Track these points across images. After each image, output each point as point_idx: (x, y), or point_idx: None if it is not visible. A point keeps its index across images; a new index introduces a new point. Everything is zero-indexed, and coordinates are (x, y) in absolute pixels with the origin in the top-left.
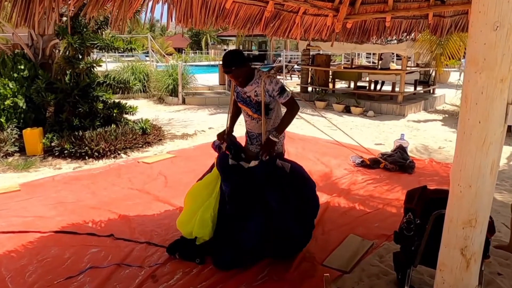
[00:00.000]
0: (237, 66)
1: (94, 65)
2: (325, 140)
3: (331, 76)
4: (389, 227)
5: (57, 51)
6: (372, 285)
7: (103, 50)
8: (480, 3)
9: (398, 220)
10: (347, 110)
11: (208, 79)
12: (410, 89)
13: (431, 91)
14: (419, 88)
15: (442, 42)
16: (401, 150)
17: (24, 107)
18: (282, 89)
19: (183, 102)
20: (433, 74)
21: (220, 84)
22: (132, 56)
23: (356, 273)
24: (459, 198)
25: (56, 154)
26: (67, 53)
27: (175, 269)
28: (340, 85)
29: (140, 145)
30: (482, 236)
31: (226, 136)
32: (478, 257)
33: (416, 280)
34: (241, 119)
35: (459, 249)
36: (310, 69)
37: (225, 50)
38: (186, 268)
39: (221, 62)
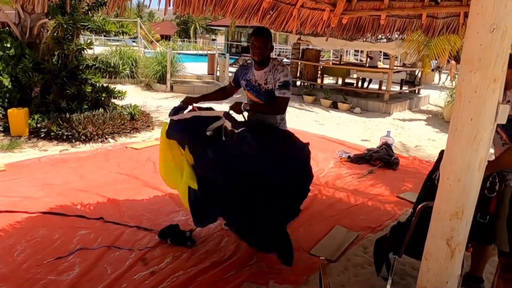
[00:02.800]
0: (266, 36)
1: (85, 47)
2: (313, 134)
3: (319, 72)
4: (374, 220)
5: (45, 31)
6: (356, 274)
7: (94, 33)
8: (478, 6)
9: (382, 214)
10: (334, 106)
11: (197, 68)
12: (396, 88)
13: (416, 91)
14: (404, 88)
15: (430, 43)
16: (386, 146)
17: (9, 86)
18: (285, 85)
19: (171, 90)
20: (419, 74)
21: (208, 74)
22: (119, 40)
23: (342, 263)
24: (448, 191)
25: (42, 135)
26: (56, 34)
27: (165, 253)
28: (328, 80)
29: (128, 131)
30: (467, 228)
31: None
32: (462, 247)
33: (398, 271)
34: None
35: (445, 239)
36: (299, 63)
37: (213, 40)
38: (176, 252)
39: (210, 52)
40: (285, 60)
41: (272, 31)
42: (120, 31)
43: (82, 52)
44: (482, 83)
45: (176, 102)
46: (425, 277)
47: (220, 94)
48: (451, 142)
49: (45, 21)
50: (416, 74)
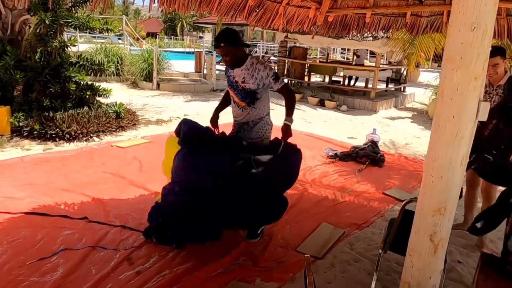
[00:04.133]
0: (226, 43)
1: (68, 44)
2: (300, 132)
3: (307, 69)
4: (360, 217)
5: (27, 27)
6: (343, 270)
7: (78, 30)
8: (460, 5)
9: (368, 210)
10: (321, 104)
11: (184, 66)
12: (382, 86)
13: (402, 89)
14: (390, 86)
15: (415, 42)
16: (372, 144)
17: None
18: (276, 76)
19: (158, 88)
20: (404, 72)
21: (196, 72)
22: (104, 38)
23: (328, 259)
24: (431, 188)
25: (25, 134)
26: (38, 30)
27: (151, 252)
28: (315, 78)
29: (114, 129)
30: (450, 223)
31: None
32: (445, 243)
33: (383, 267)
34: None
35: (428, 235)
36: (286, 61)
37: (200, 37)
38: (162, 252)
39: (197, 50)
40: (272, 58)
41: (259, 28)
42: (105, 28)
43: (66, 49)
44: (464, 81)
45: (163, 100)
46: (409, 272)
47: (228, 100)
48: (434, 139)
49: (27, 18)
50: (401, 72)
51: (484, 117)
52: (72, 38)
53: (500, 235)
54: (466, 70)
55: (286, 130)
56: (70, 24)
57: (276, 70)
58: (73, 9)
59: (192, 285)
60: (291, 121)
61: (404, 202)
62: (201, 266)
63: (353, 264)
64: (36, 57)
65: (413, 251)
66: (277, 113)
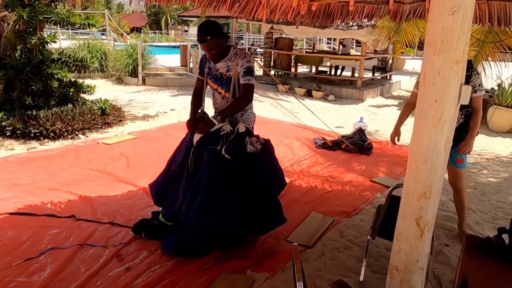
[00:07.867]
0: (213, 36)
1: (48, 41)
2: (288, 123)
3: (293, 60)
4: (349, 205)
5: (5, 24)
6: (333, 258)
7: (59, 25)
8: None
9: (357, 198)
10: (308, 94)
11: (169, 60)
12: (369, 74)
13: (388, 77)
14: (376, 74)
15: (399, 30)
16: (360, 132)
17: None
18: (249, 71)
19: (143, 83)
20: (390, 61)
21: (181, 66)
22: (87, 33)
23: (319, 248)
24: (416, 172)
25: (8, 134)
26: (17, 27)
27: (140, 248)
28: (302, 69)
29: (99, 126)
30: (435, 207)
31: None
32: (431, 226)
33: (373, 253)
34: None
35: (415, 219)
36: (273, 52)
37: (186, 31)
38: (151, 247)
39: (182, 43)
40: (258, 49)
41: (244, 20)
42: (86, 23)
43: (46, 46)
44: (445, 65)
45: (149, 95)
46: (396, 256)
47: (199, 99)
48: (418, 124)
49: (5, 14)
50: (387, 60)
51: (465, 100)
52: (53, 34)
53: (486, 218)
54: (447, 55)
55: (205, 124)
56: (49, 19)
57: (262, 62)
58: (52, 4)
59: (182, 279)
60: (219, 121)
61: (390, 188)
62: (191, 260)
63: (342, 251)
64: (16, 54)
65: (400, 235)
66: (264, 104)
